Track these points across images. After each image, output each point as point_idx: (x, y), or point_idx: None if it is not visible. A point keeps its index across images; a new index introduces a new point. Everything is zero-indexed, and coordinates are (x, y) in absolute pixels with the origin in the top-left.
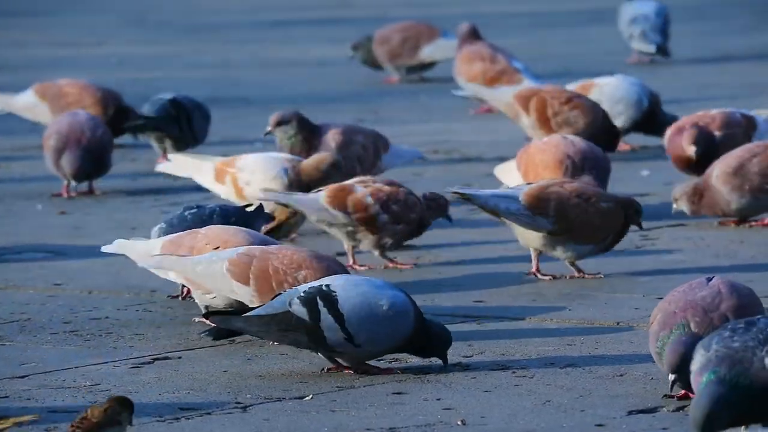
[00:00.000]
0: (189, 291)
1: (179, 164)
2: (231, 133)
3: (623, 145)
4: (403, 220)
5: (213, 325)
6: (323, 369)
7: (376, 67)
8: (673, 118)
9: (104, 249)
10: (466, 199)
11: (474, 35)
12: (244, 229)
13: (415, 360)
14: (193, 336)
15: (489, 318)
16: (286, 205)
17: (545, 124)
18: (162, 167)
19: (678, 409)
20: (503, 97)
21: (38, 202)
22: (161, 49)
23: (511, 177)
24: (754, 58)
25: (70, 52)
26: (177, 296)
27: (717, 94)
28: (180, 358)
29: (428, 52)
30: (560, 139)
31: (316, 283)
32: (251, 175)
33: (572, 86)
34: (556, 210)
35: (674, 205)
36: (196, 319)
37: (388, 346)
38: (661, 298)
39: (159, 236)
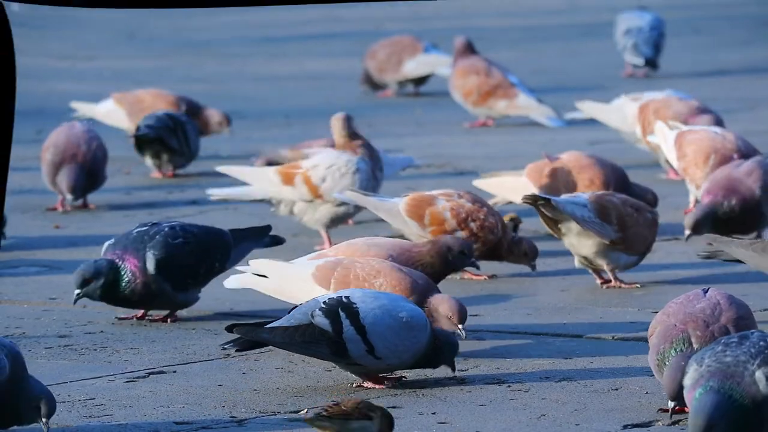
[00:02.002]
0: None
1: (236, 176)
2: (225, 147)
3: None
4: (479, 239)
5: (237, 336)
6: (353, 384)
7: (377, 88)
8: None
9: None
10: (544, 203)
11: (469, 49)
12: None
13: (409, 374)
14: (188, 350)
15: (484, 332)
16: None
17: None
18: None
19: (673, 423)
20: (625, 109)
21: (33, 216)
22: (154, 63)
23: (503, 190)
24: (748, 72)
25: (64, 65)
26: (127, 318)
27: (711, 108)
28: (175, 372)
29: (410, 67)
30: (589, 156)
31: (335, 295)
32: (326, 171)
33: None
34: (617, 219)
35: (688, 232)
36: None
37: (407, 359)
38: (657, 312)
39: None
